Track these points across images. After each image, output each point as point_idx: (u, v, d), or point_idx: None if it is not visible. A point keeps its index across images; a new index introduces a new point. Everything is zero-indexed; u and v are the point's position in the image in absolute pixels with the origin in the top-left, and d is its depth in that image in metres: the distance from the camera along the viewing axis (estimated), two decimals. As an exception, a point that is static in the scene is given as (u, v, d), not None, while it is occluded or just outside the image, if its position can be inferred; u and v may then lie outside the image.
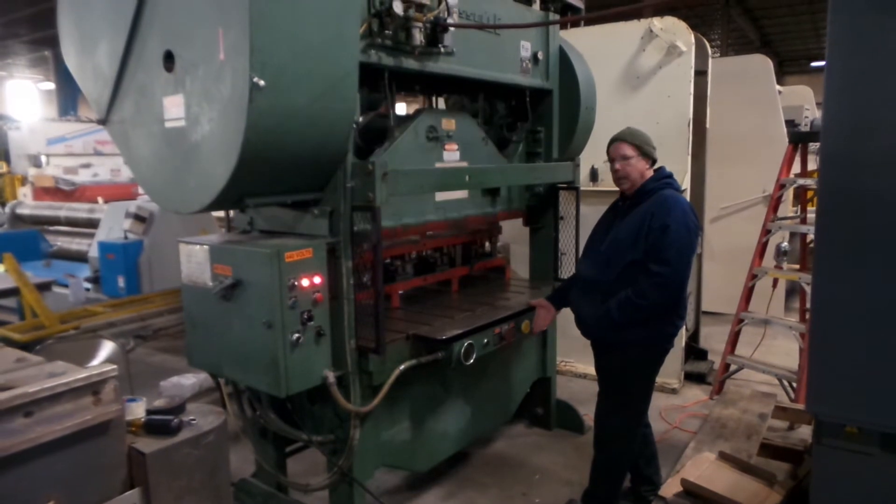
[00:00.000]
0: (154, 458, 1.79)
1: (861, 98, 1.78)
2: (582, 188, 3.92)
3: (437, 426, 3.28)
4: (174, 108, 2.38)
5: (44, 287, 5.14)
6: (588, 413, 4.24)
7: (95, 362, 3.52)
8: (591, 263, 3.01)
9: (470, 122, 3.41)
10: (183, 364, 3.07)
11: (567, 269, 3.90)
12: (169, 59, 2.35)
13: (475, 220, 3.60)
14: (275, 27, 2.12)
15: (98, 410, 1.62)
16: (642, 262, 2.77)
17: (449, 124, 3.23)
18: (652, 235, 2.75)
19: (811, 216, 4.43)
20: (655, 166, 2.97)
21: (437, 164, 3.18)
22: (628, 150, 2.90)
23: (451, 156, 3.26)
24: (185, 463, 1.85)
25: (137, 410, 1.90)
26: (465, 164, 3.34)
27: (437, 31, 2.84)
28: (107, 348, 3.68)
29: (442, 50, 2.91)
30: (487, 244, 3.99)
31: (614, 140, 2.97)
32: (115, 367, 1.65)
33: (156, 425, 1.89)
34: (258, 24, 2.06)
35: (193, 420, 1.97)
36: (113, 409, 1.66)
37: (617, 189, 3.05)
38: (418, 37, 2.76)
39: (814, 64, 22.77)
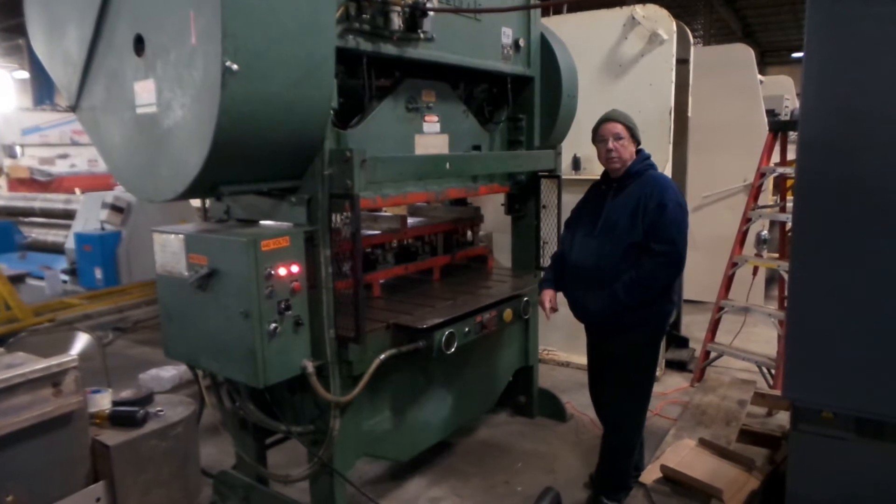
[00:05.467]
0: (118, 450, 1.75)
1: (838, 86, 1.78)
2: (564, 176, 3.91)
3: (419, 415, 3.27)
4: (145, 94, 2.32)
5: (17, 279, 5.06)
6: (570, 401, 4.26)
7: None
8: (586, 250, 2.98)
9: (450, 93, 3.36)
10: (163, 356, 3.03)
11: (549, 257, 3.88)
12: (139, 44, 2.29)
13: (456, 193, 3.52)
14: (248, 10, 2.07)
15: (58, 402, 1.58)
16: (642, 243, 2.79)
17: (429, 96, 3.19)
18: (650, 216, 2.77)
19: (791, 205, 4.46)
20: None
21: (417, 136, 3.14)
22: (622, 130, 2.89)
23: (432, 127, 3.21)
24: (152, 455, 1.80)
25: (102, 402, 1.85)
26: (445, 136, 3.30)
27: (416, 15, 2.80)
28: (82, 341, 3.61)
29: (421, 35, 2.87)
30: (469, 233, 3.98)
31: (606, 119, 2.94)
32: (75, 357, 1.61)
33: (121, 417, 1.84)
34: (230, 7, 2.00)
35: (161, 411, 1.92)
36: (74, 401, 1.62)
37: (597, 177, 3.03)
38: (397, 21, 2.71)
39: (794, 55, 22.96)
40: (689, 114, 5.25)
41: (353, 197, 2.48)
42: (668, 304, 2.97)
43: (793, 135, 4.98)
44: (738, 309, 4.75)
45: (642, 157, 2.94)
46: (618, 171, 2.94)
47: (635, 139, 2.93)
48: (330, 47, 2.36)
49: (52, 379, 1.56)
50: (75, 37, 2.50)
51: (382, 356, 2.78)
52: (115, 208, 6.75)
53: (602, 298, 2.87)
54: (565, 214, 3.58)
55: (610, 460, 3.16)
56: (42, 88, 18.84)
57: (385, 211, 3.81)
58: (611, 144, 2.89)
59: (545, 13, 4.70)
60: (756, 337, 5.36)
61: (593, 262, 2.93)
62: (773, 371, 4.48)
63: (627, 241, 2.81)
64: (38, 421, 1.56)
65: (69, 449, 1.67)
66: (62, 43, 2.58)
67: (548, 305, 3.13)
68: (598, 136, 2.95)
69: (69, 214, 7.50)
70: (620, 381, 3.04)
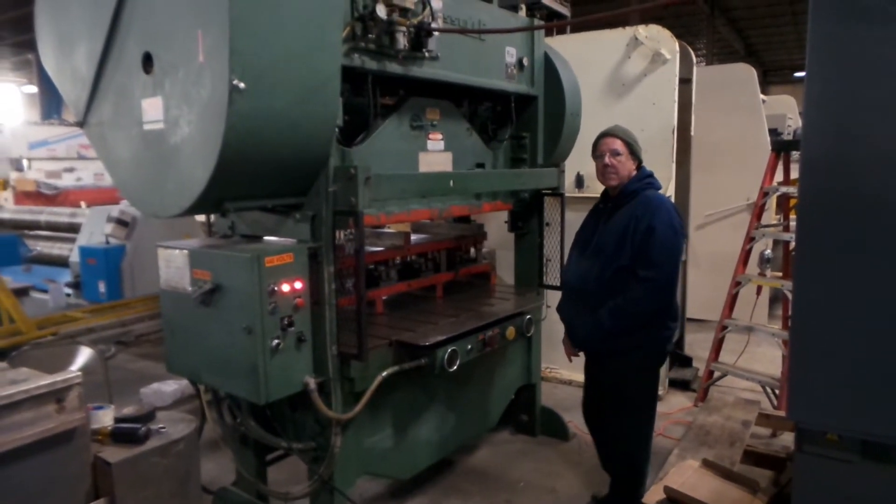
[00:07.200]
0: (120, 467, 1.74)
1: (840, 106, 1.79)
2: (567, 194, 3.92)
3: (420, 433, 3.25)
4: (153, 111, 2.34)
5: (21, 292, 5.08)
6: (573, 420, 4.23)
7: (72, 369, 3.45)
8: (578, 271, 2.96)
9: (454, 111, 3.38)
10: (165, 370, 3.04)
11: (552, 275, 3.89)
12: (148, 61, 2.32)
13: (460, 211, 3.51)
14: (255, 29, 2.09)
15: (61, 419, 1.57)
16: (630, 267, 2.72)
17: (433, 114, 3.21)
18: (637, 239, 2.70)
19: (794, 224, 4.46)
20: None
21: (421, 154, 3.16)
22: (620, 147, 2.84)
23: (436, 145, 3.23)
24: (154, 472, 1.79)
25: (104, 418, 1.85)
26: (449, 153, 3.32)
27: (421, 35, 2.83)
28: (84, 355, 3.61)
29: (426, 55, 2.90)
30: (472, 250, 3.98)
31: (605, 134, 2.90)
32: (79, 374, 1.60)
33: (123, 434, 1.83)
34: (238, 26, 2.03)
35: (163, 428, 1.92)
36: (77, 418, 1.61)
37: (599, 195, 3.03)
38: (402, 41, 2.74)
39: (796, 74, 23.12)
40: (692, 133, 5.27)
41: (357, 214, 2.49)
42: (664, 329, 2.87)
43: (795, 154, 5.00)
44: (742, 328, 4.72)
45: (641, 176, 2.88)
46: (615, 189, 2.89)
47: (635, 156, 2.88)
48: (336, 66, 2.39)
49: (56, 395, 1.55)
50: (85, 53, 2.54)
51: (384, 373, 2.78)
52: (121, 222, 6.79)
53: (588, 324, 2.83)
54: (568, 232, 3.59)
55: (619, 488, 3.11)
56: (50, 103, 19.07)
57: (388, 228, 3.82)
58: (607, 160, 2.84)
59: (549, 33, 4.74)
60: (760, 356, 5.33)
61: (579, 284, 2.91)
62: (777, 391, 4.45)
63: (615, 265, 2.75)
64: (41, 437, 1.55)
65: (71, 466, 1.66)
66: (71, 59, 2.61)
67: (568, 352, 3.16)
68: (596, 151, 2.92)
69: (74, 228, 7.54)
70: (618, 406, 2.97)
